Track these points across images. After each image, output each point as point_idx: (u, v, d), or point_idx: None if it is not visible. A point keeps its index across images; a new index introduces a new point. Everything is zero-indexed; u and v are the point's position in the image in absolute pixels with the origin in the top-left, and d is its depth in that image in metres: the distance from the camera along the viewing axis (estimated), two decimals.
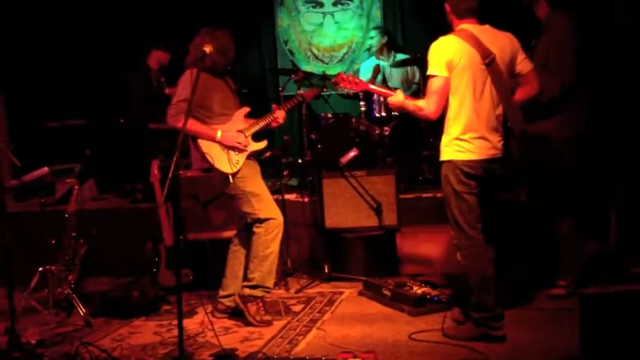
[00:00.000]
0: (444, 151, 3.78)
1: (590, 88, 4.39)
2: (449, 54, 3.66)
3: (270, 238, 4.34)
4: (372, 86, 4.19)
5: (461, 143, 3.70)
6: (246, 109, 4.52)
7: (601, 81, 5.18)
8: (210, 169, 4.51)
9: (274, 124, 4.56)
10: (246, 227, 4.48)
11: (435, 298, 4.35)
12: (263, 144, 4.47)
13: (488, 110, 3.70)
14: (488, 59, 3.66)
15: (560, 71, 4.22)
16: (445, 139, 3.77)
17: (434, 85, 3.69)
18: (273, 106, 4.64)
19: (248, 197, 4.35)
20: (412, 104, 3.82)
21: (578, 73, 4.26)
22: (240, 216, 4.49)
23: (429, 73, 3.71)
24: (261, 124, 4.48)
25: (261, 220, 4.33)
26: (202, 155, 4.35)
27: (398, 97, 3.87)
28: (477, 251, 3.74)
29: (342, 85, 4.14)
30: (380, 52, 6.81)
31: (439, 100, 3.68)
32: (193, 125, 4.26)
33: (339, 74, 4.20)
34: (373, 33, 6.94)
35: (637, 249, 4.64)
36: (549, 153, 4.31)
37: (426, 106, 3.71)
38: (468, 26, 3.74)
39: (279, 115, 4.54)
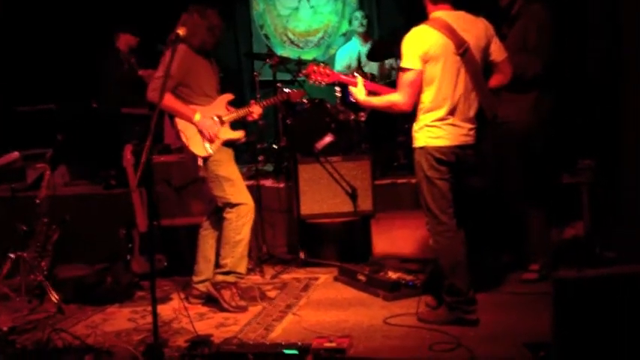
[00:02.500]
0: (416, 138, 3.80)
1: (560, 78, 4.45)
2: (423, 46, 3.65)
3: (241, 224, 4.32)
4: (343, 77, 4.14)
5: (432, 129, 3.72)
6: (229, 96, 4.49)
7: (571, 71, 5.27)
8: (181, 148, 4.47)
9: (250, 118, 4.55)
10: (216, 211, 4.46)
11: (410, 283, 4.37)
12: (239, 134, 4.45)
13: (462, 98, 3.72)
14: (462, 49, 3.67)
15: (540, 52, 4.29)
16: (417, 126, 3.79)
17: (408, 77, 3.68)
18: (252, 100, 4.63)
19: (220, 181, 4.33)
20: (383, 100, 3.82)
21: (551, 60, 4.33)
22: (210, 200, 4.47)
23: (402, 65, 3.70)
24: (239, 114, 4.47)
25: (232, 205, 4.32)
26: (177, 133, 4.32)
27: (359, 96, 3.85)
28: (449, 236, 3.77)
29: (313, 77, 4.08)
30: (364, 37, 6.82)
31: (412, 92, 3.68)
32: (173, 102, 4.23)
33: (309, 66, 4.12)
34: (359, 14, 6.92)
35: (610, 233, 4.70)
36: (515, 137, 4.37)
37: (400, 99, 3.70)
38: (442, 13, 3.73)
39: (256, 110, 4.52)
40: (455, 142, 3.72)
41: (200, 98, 4.36)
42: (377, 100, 3.86)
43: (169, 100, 4.18)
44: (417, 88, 3.69)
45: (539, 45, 4.30)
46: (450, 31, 3.67)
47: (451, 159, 3.73)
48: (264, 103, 4.68)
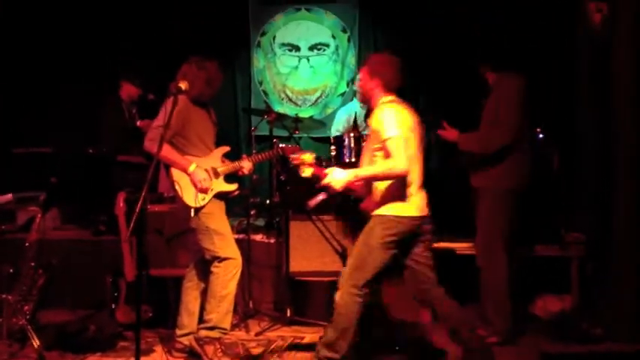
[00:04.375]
0: (386, 206, 3.85)
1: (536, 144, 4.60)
2: (401, 117, 3.83)
3: (228, 279, 4.31)
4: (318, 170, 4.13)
5: (406, 199, 3.84)
6: (225, 148, 4.54)
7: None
8: (174, 197, 4.49)
9: (240, 173, 4.59)
10: (201, 263, 4.44)
11: (397, 347, 4.34)
12: (233, 187, 4.48)
13: (422, 169, 3.93)
14: (418, 125, 3.94)
15: (507, 123, 4.44)
16: (387, 193, 3.86)
17: (398, 143, 3.73)
18: (243, 155, 4.67)
19: (210, 234, 4.32)
20: (380, 168, 3.80)
21: (523, 129, 4.50)
22: (196, 251, 4.45)
23: (389, 135, 3.74)
24: (232, 168, 4.50)
25: (220, 259, 4.31)
26: (171, 183, 4.33)
27: (341, 176, 3.83)
28: (359, 302, 3.85)
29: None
30: None
31: (406, 156, 3.74)
32: (169, 153, 4.26)
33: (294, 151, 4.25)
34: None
35: (598, 308, 4.70)
36: (488, 203, 4.51)
37: (398, 162, 3.70)
38: (394, 98, 3.96)
39: (246, 165, 4.56)
40: (422, 213, 3.88)
41: (196, 149, 4.40)
42: (373, 170, 3.84)
43: (166, 151, 4.21)
44: (407, 152, 3.77)
45: (507, 117, 4.45)
46: (410, 109, 3.94)
47: (414, 230, 3.86)
48: (258, 157, 4.72)
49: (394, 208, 3.83)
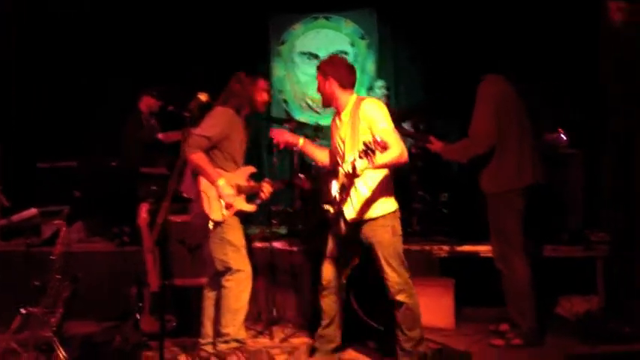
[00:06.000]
0: (382, 205, 4.04)
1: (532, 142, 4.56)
2: (387, 112, 4.01)
3: (240, 290, 4.34)
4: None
5: (393, 195, 4.11)
6: (251, 169, 4.56)
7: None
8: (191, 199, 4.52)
9: (259, 196, 4.59)
10: (218, 273, 4.45)
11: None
12: (252, 207, 4.50)
13: None
14: None
15: (476, 130, 4.51)
16: (381, 191, 4.03)
17: (395, 134, 3.90)
18: (265, 179, 4.68)
19: (224, 244, 4.34)
20: (389, 156, 3.77)
21: (507, 130, 4.47)
22: (210, 261, 4.46)
23: (384, 126, 3.90)
24: (253, 189, 4.53)
25: (231, 271, 4.32)
26: (198, 192, 4.34)
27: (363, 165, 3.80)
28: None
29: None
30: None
31: None
32: (203, 162, 4.29)
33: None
34: (380, 83, 7.01)
35: (624, 307, 4.64)
36: (491, 206, 4.58)
37: (403, 151, 3.85)
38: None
39: (266, 190, 4.56)
40: None
41: (226, 163, 4.42)
42: (386, 157, 3.77)
43: (201, 159, 4.25)
44: None
45: (476, 126, 4.49)
46: None
47: None
48: (276, 186, 4.70)
49: (392, 203, 4.09)
